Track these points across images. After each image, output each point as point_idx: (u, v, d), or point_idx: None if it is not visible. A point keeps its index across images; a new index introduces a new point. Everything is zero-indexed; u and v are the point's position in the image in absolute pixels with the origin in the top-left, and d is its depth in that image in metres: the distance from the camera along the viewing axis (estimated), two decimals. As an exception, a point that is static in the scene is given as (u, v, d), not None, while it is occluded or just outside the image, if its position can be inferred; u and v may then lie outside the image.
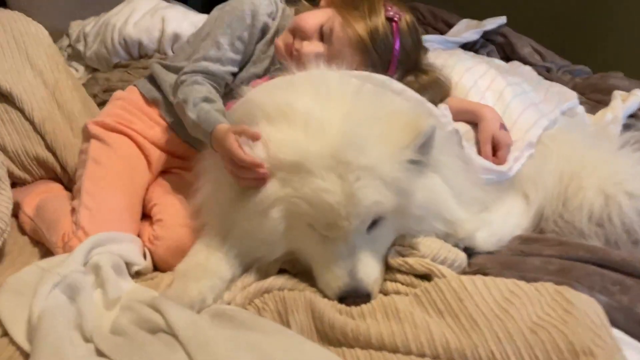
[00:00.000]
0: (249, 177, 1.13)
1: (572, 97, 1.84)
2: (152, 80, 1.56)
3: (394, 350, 0.99)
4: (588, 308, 1.03)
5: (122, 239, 1.27)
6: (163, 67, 1.53)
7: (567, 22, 2.82)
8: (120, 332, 1.03)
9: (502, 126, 1.42)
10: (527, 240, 1.33)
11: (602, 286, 1.16)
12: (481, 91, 1.54)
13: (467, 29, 2.48)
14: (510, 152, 1.42)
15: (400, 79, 1.37)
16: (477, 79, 1.57)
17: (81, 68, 2.33)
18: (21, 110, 1.57)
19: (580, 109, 1.80)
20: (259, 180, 1.12)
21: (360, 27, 1.38)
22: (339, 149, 1.10)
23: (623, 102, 1.92)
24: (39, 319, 1.01)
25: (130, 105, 1.52)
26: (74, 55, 2.39)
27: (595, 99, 2.07)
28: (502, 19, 2.50)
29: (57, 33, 2.22)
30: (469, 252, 1.26)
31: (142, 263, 1.26)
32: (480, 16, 2.59)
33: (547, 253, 1.25)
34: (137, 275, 1.27)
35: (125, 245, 1.26)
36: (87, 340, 1.02)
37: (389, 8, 1.42)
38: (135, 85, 1.57)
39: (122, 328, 1.03)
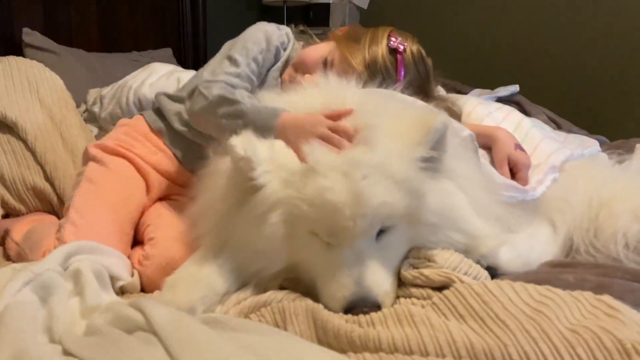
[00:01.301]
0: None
1: (593, 143, 1.77)
2: (158, 111, 1.53)
3: (409, 353, 0.83)
4: (635, 316, 0.88)
5: (108, 252, 1.16)
6: (168, 97, 1.52)
7: (581, 92, 2.81)
8: (93, 333, 0.90)
9: (518, 146, 1.33)
10: (558, 265, 1.19)
11: (648, 303, 1.00)
12: (497, 121, 1.48)
13: (480, 96, 2.47)
14: (532, 175, 1.32)
15: None
16: (493, 111, 1.52)
17: (95, 130, 2.33)
18: (24, 141, 1.55)
19: (603, 155, 1.72)
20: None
21: (358, 60, 1.38)
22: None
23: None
24: (1, 314, 0.89)
25: (134, 131, 1.48)
26: (90, 119, 2.40)
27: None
28: (515, 87, 2.49)
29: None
30: (492, 273, 1.12)
31: (127, 279, 1.14)
32: (492, 87, 2.59)
33: (582, 272, 1.11)
34: (122, 292, 1.14)
35: (110, 259, 1.15)
36: (55, 342, 0.89)
37: (394, 39, 1.41)
38: (141, 115, 1.54)
39: (96, 328, 0.90)
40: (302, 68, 1.44)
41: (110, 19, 3.54)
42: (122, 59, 3.27)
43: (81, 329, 0.94)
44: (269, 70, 1.46)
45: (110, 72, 2.88)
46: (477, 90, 2.60)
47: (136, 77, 2.35)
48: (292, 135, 1.09)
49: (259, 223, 1.04)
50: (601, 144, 2.43)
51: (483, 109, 1.50)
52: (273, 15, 3.90)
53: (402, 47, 1.40)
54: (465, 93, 2.64)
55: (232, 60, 1.37)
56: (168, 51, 3.61)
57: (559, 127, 2.49)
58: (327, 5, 4.04)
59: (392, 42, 1.41)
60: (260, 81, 1.44)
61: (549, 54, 2.94)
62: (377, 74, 1.37)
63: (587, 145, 1.74)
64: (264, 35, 1.44)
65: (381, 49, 1.39)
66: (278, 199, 1.03)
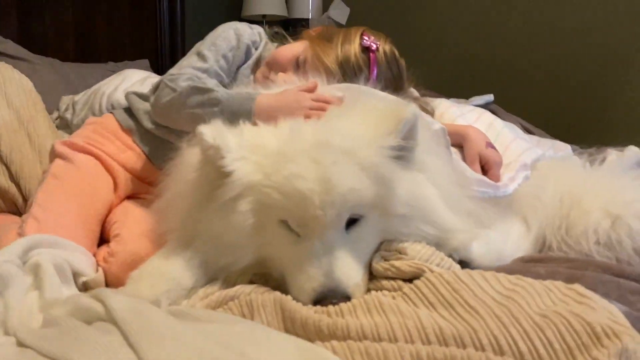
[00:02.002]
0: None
1: (565, 148, 1.79)
2: (128, 110, 1.51)
3: (377, 340, 0.81)
4: (606, 304, 0.88)
5: (71, 247, 1.12)
6: (138, 96, 1.51)
7: (555, 102, 2.85)
8: (50, 324, 0.86)
9: (489, 144, 1.34)
10: (530, 260, 1.18)
11: (619, 294, 1.00)
12: (469, 122, 1.48)
13: (455, 105, 2.49)
14: (504, 173, 1.32)
15: None
16: (465, 112, 1.53)
17: (66, 136, 2.29)
18: (-12, 142, 1.50)
19: (575, 158, 1.73)
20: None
21: (331, 59, 1.39)
22: (316, 132, 1.01)
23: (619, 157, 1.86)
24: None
25: (103, 129, 1.46)
26: (62, 125, 2.36)
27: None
28: (489, 97, 2.52)
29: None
30: (464, 267, 1.11)
31: (91, 275, 1.11)
32: (467, 97, 2.62)
33: (554, 266, 1.10)
34: (85, 289, 1.10)
35: (73, 254, 1.11)
36: (9, 335, 0.85)
37: (366, 38, 1.42)
38: (111, 113, 1.52)
39: (53, 319, 0.86)
40: (276, 67, 1.44)
41: (87, 31, 3.50)
42: (98, 69, 3.23)
43: (38, 323, 0.90)
44: (239, 68, 1.46)
45: (85, 82, 2.84)
46: (452, 100, 2.62)
47: (109, 83, 2.33)
48: (283, 115, 1.09)
49: (228, 212, 1.02)
50: (574, 152, 2.47)
51: (455, 111, 1.51)
52: (253, 28, 3.90)
53: (374, 46, 1.41)
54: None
55: (201, 56, 1.36)
56: (145, 62, 3.58)
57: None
58: (307, 20, 4.06)
59: (364, 41, 1.42)
60: (230, 79, 1.43)
61: (523, 64, 2.99)
62: (350, 72, 1.37)
63: (559, 149, 1.76)
64: (235, 33, 1.44)
65: (354, 48, 1.40)
66: (247, 185, 1.00)
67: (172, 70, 1.33)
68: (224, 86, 1.37)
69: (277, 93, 1.17)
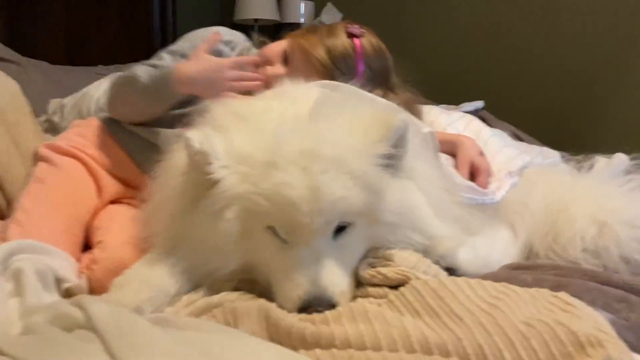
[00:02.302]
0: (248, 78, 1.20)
1: (554, 155, 1.79)
2: None
3: (362, 348, 0.81)
4: (591, 312, 0.87)
5: (54, 253, 1.11)
6: None
7: (546, 109, 2.86)
8: (30, 332, 0.85)
9: (481, 154, 1.34)
10: (517, 267, 1.18)
11: (605, 302, 1.00)
12: (458, 130, 1.49)
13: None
14: (491, 181, 1.32)
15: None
16: (455, 120, 1.53)
17: (54, 139, 2.27)
18: (-28, 144, 1.48)
19: (563, 165, 1.73)
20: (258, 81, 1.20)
21: (318, 48, 1.41)
22: (305, 140, 1.00)
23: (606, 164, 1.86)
24: None
25: (87, 132, 1.46)
26: (50, 128, 2.33)
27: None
28: (479, 103, 2.53)
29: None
30: (451, 274, 1.10)
31: (74, 281, 1.09)
32: (457, 103, 2.62)
33: (540, 273, 1.10)
34: (68, 295, 1.08)
35: (56, 260, 1.09)
36: (-12, 343, 0.83)
37: (349, 26, 1.44)
38: (96, 116, 1.52)
39: (33, 327, 0.85)
40: (263, 62, 1.45)
41: (78, 34, 3.48)
42: (88, 72, 3.21)
43: (18, 330, 0.89)
44: None
45: (75, 85, 2.81)
46: (442, 107, 2.62)
47: (98, 86, 2.31)
48: (202, 88, 1.18)
49: (215, 219, 1.01)
50: (563, 158, 2.48)
51: (445, 119, 1.51)
52: (244, 34, 3.90)
53: (359, 32, 1.44)
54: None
55: (158, 56, 1.44)
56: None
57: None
58: (298, 25, 4.06)
59: (349, 28, 1.45)
60: None
61: (514, 70, 3.00)
62: (339, 60, 1.39)
63: (547, 155, 1.75)
64: (202, 35, 1.48)
65: (340, 35, 1.44)
66: (234, 194, 0.99)
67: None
68: None
69: (196, 62, 1.24)
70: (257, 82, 1.32)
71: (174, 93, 1.27)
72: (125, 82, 1.33)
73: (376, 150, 1.01)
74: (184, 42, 1.48)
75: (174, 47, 1.48)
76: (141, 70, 1.32)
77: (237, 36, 1.55)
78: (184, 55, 1.42)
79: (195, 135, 1.02)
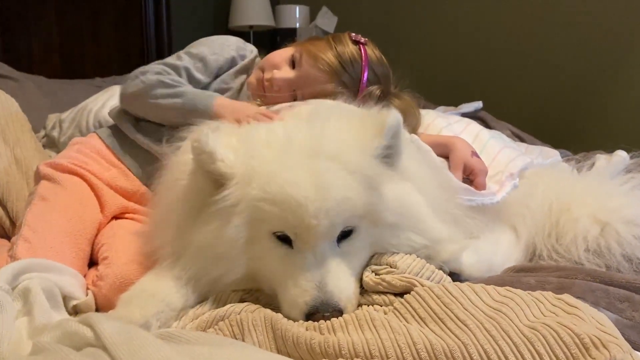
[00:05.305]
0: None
1: (554, 154, 1.80)
2: (113, 127, 1.54)
3: (369, 358, 0.81)
4: (595, 313, 0.88)
5: (62, 270, 1.11)
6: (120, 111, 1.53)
7: (545, 107, 2.87)
8: (39, 351, 0.85)
9: (474, 154, 1.35)
10: (521, 269, 1.19)
11: (608, 302, 1.01)
12: (456, 132, 1.49)
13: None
14: (490, 183, 1.33)
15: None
16: (452, 123, 1.54)
17: (54, 155, 2.27)
18: (-26, 164, 1.49)
19: (564, 164, 1.74)
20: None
21: (328, 52, 1.44)
22: (306, 140, 1.03)
23: (607, 162, 1.87)
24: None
25: (87, 148, 1.47)
26: (49, 144, 2.34)
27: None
28: (478, 103, 2.53)
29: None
30: (456, 279, 1.11)
31: (82, 298, 1.10)
32: (457, 104, 2.63)
33: (544, 275, 1.11)
34: (75, 312, 1.09)
35: (64, 277, 1.10)
36: (-2, 363, 0.84)
37: (352, 35, 1.49)
38: (95, 132, 1.53)
39: (42, 346, 0.85)
40: (269, 66, 1.49)
41: (73, 47, 3.49)
42: (85, 85, 3.21)
43: (28, 349, 0.89)
44: (223, 73, 1.53)
45: (72, 98, 2.82)
46: (441, 108, 2.63)
47: (96, 99, 2.31)
48: (229, 115, 1.26)
49: (221, 225, 1.01)
50: (563, 157, 2.49)
51: (442, 121, 1.52)
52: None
53: (363, 40, 1.49)
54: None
55: (178, 56, 1.48)
56: (133, 77, 3.56)
57: (523, 142, 2.53)
58: (294, 30, 4.07)
59: (353, 36, 1.50)
60: (210, 79, 1.51)
61: (513, 70, 3.01)
62: (346, 66, 1.43)
63: (547, 155, 1.76)
64: (221, 42, 1.54)
65: (346, 42, 1.48)
66: (241, 200, 1.00)
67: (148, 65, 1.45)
68: (204, 85, 1.49)
69: (233, 100, 1.36)
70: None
71: (210, 117, 1.29)
72: (165, 89, 1.36)
73: (374, 144, 1.03)
74: (203, 47, 1.52)
75: (193, 49, 1.51)
76: (185, 85, 1.40)
77: (249, 50, 1.61)
78: (202, 60, 1.48)
79: (201, 135, 1.02)
